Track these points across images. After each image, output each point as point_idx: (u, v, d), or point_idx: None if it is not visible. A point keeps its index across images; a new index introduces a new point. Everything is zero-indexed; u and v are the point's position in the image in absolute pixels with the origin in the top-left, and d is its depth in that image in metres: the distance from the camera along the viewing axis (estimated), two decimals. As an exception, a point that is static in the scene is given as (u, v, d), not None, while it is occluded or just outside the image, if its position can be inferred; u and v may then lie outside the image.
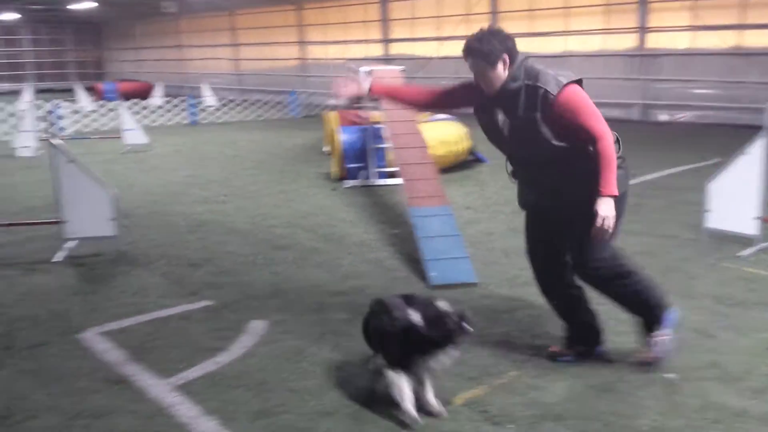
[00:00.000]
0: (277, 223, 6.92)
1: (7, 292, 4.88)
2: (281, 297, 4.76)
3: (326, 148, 11.96)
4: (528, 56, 3.35)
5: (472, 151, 10.37)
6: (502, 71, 3.29)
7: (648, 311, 3.50)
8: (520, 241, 6.05)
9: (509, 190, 8.30)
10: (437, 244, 5.30)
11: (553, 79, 3.23)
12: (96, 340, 4.05)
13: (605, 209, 3.18)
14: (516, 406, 3.22)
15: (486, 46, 3.26)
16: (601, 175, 3.19)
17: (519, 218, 6.90)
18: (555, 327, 4.09)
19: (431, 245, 5.28)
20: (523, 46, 3.30)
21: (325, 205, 7.84)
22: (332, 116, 11.20)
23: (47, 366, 3.70)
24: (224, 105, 19.57)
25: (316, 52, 25.22)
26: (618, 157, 3.24)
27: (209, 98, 21.58)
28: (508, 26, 19.34)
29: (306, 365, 3.68)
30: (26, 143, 11.91)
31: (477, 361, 3.68)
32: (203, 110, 19.17)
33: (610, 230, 3.21)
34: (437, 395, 3.18)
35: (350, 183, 8.89)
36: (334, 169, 9.50)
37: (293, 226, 6.81)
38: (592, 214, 3.18)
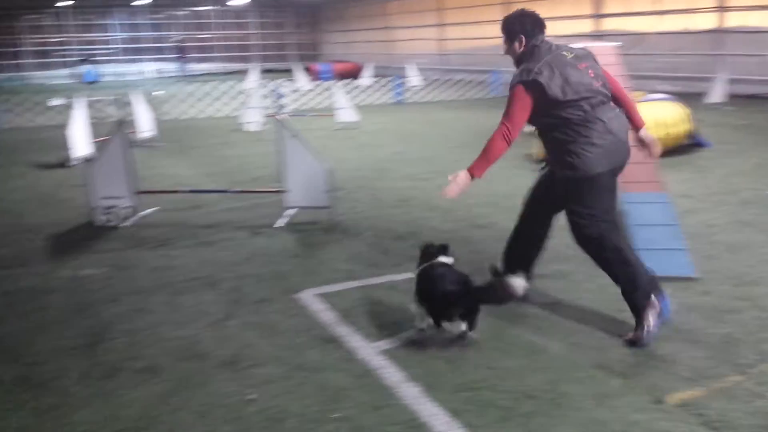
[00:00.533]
0: (478, 202, 6.94)
1: (236, 252, 5.44)
2: (481, 275, 4.77)
3: (530, 129, 11.74)
4: (551, 44, 3.82)
5: (692, 135, 9.57)
6: (517, 49, 3.82)
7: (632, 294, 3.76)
8: (746, 236, 5.54)
9: (736, 177, 7.62)
10: (651, 233, 4.98)
11: (520, 73, 3.74)
12: (311, 300, 4.38)
13: (458, 179, 4.19)
14: (737, 413, 2.95)
15: (508, 25, 3.82)
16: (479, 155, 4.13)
17: (746, 210, 6.32)
18: (788, 332, 3.70)
19: (644, 234, 4.97)
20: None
21: (527, 186, 7.68)
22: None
23: (270, 320, 4.08)
24: (428, 84, 19.95)
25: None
26: (593, 142, 3.72)
27: (414, 78, 22.12)
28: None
29: (506, 345, 3.68)
30: (252, 119, 13.12)
31: (693, 362, 3.43)
32: (408, 90, 19.70)
33: (447, 196, 4.06)
34: (646, 390, 3.02)
35: (554, 165, 8.63)
36: (536, 150, 9.29)
37: (493, 205, 6.79)
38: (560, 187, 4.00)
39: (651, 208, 5.26)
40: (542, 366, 3.44)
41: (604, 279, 4.61)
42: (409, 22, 30.81)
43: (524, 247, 4.48)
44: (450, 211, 6.61)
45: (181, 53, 32.54)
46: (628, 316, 4.02)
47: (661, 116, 8.87)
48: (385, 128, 13.08)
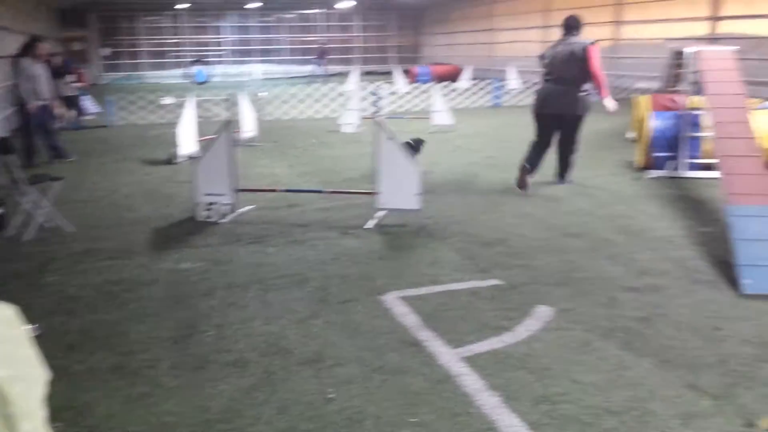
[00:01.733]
0: (571, 210, 6.76)
1: (325, 251, 5.56)
2: (570, 285, 4.67)
3: (630, 134, 11.28)
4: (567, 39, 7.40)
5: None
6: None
7: (566, 168, 7.89)
8: None
9: None
10: (757, 248, 4.68)
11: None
12: (395, 302, 4.41)
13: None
14: (844, 448, 2.73)
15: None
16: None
17: None
18: None
19: (749, 249, 4.69)
20: None
21: (625, 194, 7.42)
22: (643, 100, 10.52)
23: (354, 321, 4.15)
24: (527, 88, 19.58)
25: (630, 32, 23.80)
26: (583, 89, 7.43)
27: (513, 81, 21.77)
28: None
29: (592, 359, 3.57)
30: (350, 120, 13.35)
31: (796, 388, 3.20)
32: (506, 93, 19.42)
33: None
34: (737, 412, 2.85)
35: (655, 173, 8.28)
36: (638, 157, 8.93)
37: (588, 214, 6.59)
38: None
39: (759, 222, 4.96)
40: (629, 382, 3.31)
41: (701, 295, 4.40)
42: (514, 23, 30.35)
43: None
44: (542, 218, 6.47)
45: (321, 56, 33.64)
46: (725, 334, 3.81)
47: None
48: (480, 132, 12.97)
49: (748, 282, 4.43)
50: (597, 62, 7.38)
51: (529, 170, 7.64)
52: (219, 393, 3.30)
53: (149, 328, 4.09)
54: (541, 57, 7.93)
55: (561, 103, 7.52)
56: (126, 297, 4.60)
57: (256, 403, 3.20)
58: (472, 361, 3.58)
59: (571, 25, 7.81)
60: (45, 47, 10.28)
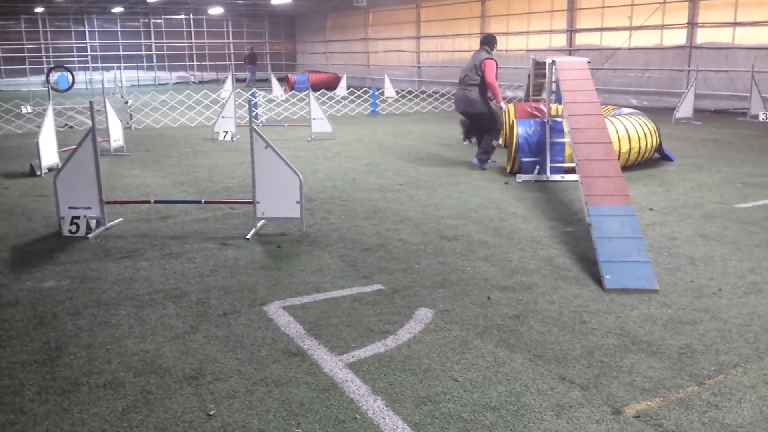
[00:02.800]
0: (447, 214, 6.99)
1: (204, 264, 5.40)
2: (448, 287, 4.82)
3: (499, 141, 11.85)
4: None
5: (658, 149, 9.74)
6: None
7: (486, 153, 9.65)
8: (708, 248, 5.65)
9: (701, 191, 7.77)
10: (615, 245, 5.06)
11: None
12: (278, 313, 4.36)
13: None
14: (694, 423, 3.00)
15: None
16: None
17: (710, 224, 6.45)
18: (744, 343, 3.79)
19: (608, 246, 5.06)
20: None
21: (496, 198, 7.78)
22: (509, 108, 11.07)
23: (235, 333, 4.05)
24: (402, 96, 20.05)
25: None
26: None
27: (389, 89, 22.22)
28: (706, 15, 17.83)
29: (470, 357, 3.70)
30: (225, 128, 13.06)
31: (652, 373, 3.48)
32: (383, 101, 19.77)
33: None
34: (605, 401, 3.07)
35: (523, 177, 8.74)
36: (508, 162, 9.38)
37: (463, 217, 6.84)
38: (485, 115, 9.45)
39: (616, 221, 5.35)
40: (505, 378, 3.46)
41: (567, 291, 4.69)
42: (388, 33, 30.99)
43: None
44: (420, 222, 6.64)
45: (251, 60, 32.05)
46: (590, 327, 4.07)
47: (629, 130, 9.02)
48: (359, 139, 13.12)
49: (609, 277, 4.77)
50: (490, 73, 9.31)
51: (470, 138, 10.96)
52: (91, 417, 3.11)
53: (12, 351, 3.78)
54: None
55: (463, 102, 9.65)
56: (-18, 321, 4.23)
57: (132, 426, 3.04)
58: (356, 367, 3.60)
59: (483, 41, 9.66)
60: None
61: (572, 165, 7.77)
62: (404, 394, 3.31)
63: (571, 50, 21.28)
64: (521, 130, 8.91)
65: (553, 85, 9.01)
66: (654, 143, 9.40)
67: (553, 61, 8.52)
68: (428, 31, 28.35)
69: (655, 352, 3.73)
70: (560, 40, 22.12)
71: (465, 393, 3.31)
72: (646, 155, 9.41)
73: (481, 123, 9.74)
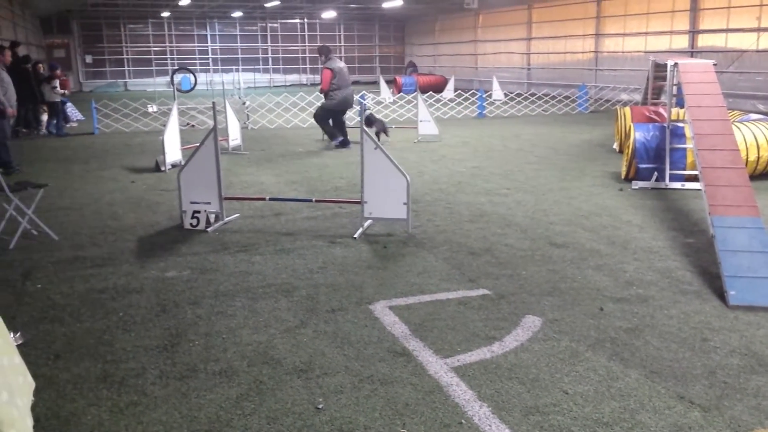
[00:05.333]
0: (556, 220, 6.80)
1: (314, 260, 5.54)
2: (557, 296, 4.69)
3: (615, 146, 11.40)
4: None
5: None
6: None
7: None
8: None
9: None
10: (741, 259, 4.74)
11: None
12: (384, 312, 4.40)
13: None
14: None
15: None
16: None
17: None
18: None
19: (734, 260, 4.74)
20: None
21: (610, 205, 7.49)
22: (626, 112, 10.64)
23: (343, 330, 4.13)
24: (511, 99, 19.74)
25: (611, 44, 24.10)
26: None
27: (497, 92, 21.94)
28: None
29: (581, 369, 3.58)
30: (335, 129, 13.34)
31: (782, 398, 3.23)
32: (491, 104, 19.54)
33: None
34: (727, 424, 2.88)
35: (640, 184, 8.36)
36: (623, 168, 9.02)
37: (573, 224, 6.64)
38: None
39: (743, 234, 5.02)
40: (619, 393, 3.32)
41: (688, 306, 4.44)
42: (498, 35, 30.61)
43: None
44: (528, 228, 6.50)
45: (413, 66, 34.78)
46: (712, 345, 3.84)
47: (758, 137, 8.45)
48: (466, 142, 13.03)
49: (733, 293, 4.47)
50: (323, 79, 11.88)
51: (341, 143, 12.23)
52: (207, 403, 3.27)
53: (136, 336, 4.04)
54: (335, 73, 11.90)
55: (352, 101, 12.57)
56: (112, 305, 4.55)
57: (245, 413, 3.17)
58: (461, 371, 3.57)
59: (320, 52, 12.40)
60: (7, 53, 10.24)
61: (695, 172, 7.36)
62: (511, 403, 3.25)
63: (693, 52, 20.17)
64: (639, 135, 8.53)
65: (674, 89, 8.58)
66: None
67: (676, 64, 8.10)
68: (540, 32, 27.75)
69: (785, 376, 3.47)
70: (681, 42, 21.01)
71: (575, 406, 3.21)
72: (777, 164, 8.76)
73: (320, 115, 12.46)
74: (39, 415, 3.13)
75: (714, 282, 4.83)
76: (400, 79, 27.42)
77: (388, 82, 25.34)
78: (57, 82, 14.46)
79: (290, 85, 34.88)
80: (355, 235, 6.18)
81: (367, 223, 6.40)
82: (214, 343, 3.93)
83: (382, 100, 19.31)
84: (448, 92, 22.19)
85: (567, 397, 3.29)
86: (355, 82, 32.25)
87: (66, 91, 15.05)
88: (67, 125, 16.22)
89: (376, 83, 28.38)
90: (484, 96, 18.60)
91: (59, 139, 14.06)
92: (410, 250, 5.79)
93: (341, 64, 12.06)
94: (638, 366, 3.60)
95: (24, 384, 2.91)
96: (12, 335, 3.45)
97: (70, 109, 17.09)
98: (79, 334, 4.09)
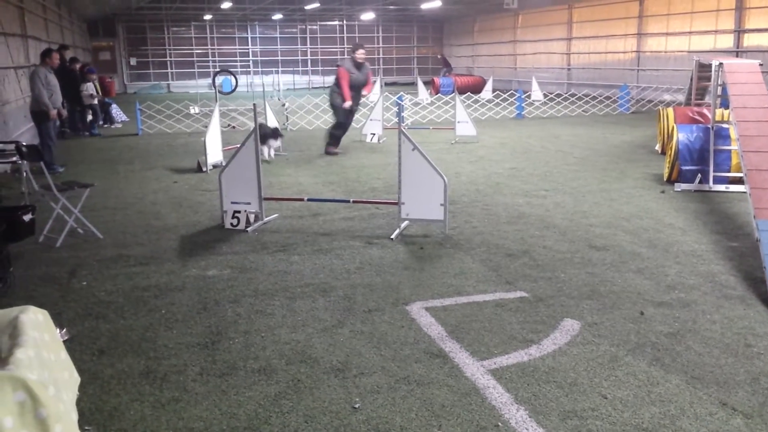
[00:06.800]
0: (596, 222, 6.72)
1: (351, 260, 5.57)
2: (597, 299, 4.63)
3: (657, 147, 11.20)
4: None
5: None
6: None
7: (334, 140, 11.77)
8: None
9: None
10: (788, 264, 4.61)
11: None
12: (420, 313, 4.41)
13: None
14: None
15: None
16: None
17: None
18: None
19: (780, 265, 4.62)
20: None
21: (651, 208, 7.36)
22: (669, 113, 10.45)
23: (379, 330, 4.15)
24: (550, 100, 19.53)
25: (654, 44, 23.66)
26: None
27: (536, 92, 21.73)
28: None
29: (621, 374, 3.54)
30: (374, 130, 13.41)
31: (830, 407, 3.14)
32: (530, 104, 19.36)
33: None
34: (775, 436, 2.81)
35: (683, 186, 8.20)
36: (665, 170, 8.85)
37: (614, 227, 6.54)
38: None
39: (790, 238, 4.88)
40: (659, 399, 3.27)
41: (732, 311, 4.35)
42: (537, 35, 30.31)
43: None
44: (567, 230, 6.43)
45: (445, 65, 35.26)
46: (756, 351, 3.76)
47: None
48: (504, 143, 12.94)
49: (779, 298, 4.36)
50: (340, 79, 11.38)
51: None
52: (246, 400, 3.32)
53: (177, 333, 4.13)
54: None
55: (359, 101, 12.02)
56: (155, 303, 4.66)
57: (283, 411, 3.21)
58: (498, 373, 3.56)
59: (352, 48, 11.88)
60: (55, 56, 10.54)
61: (740, 175, 7.19)
62: (549, 407, 3.23)
63: (738, 52, 19.67)
64: (682, 136, 8.37)
65: (719, 89, 8.39)
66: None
67: (721, 63, 7.93)
68: (580, 32, 27.38)
69: (832, 385, 3.37)
70: (726, 41, 20.51)
71: (614, 411, 3.17)
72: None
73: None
74: (83, 410, 3.22)
75: (758, 287, 4.71)
76: (438, 80, 27.37)
77: (426, 83, 25.30)
78: (88, 86, 14.96)
79: (329, 87, 35.12)
80: (392, 236, 6.20)
81: (404, 224, 6.42)
82: (253, 342, 3.99)
83: (420, 101, 19.30)
84: (487, 93, 22.07)
85: (606, 402, 3.25)
86: (393, 83, 32.40)
87: (94, 93, 15.46)
88: (112, 126, 16.65)
89: (414, 84, 28.37)
90: (522, 97, 18.45)
91: (104, 139, 14.42)
92: (447, 252, 5.78)
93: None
94: (679, 371, 3.54)
95: (70, 379, 3.01)
96: (59, 331, 3.56)
97: (115, 111, 17.53)
98: (122, 330, 4.20)
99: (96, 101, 15.50)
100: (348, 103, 11.28)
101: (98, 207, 7.63)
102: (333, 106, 11.76)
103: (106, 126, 16.54)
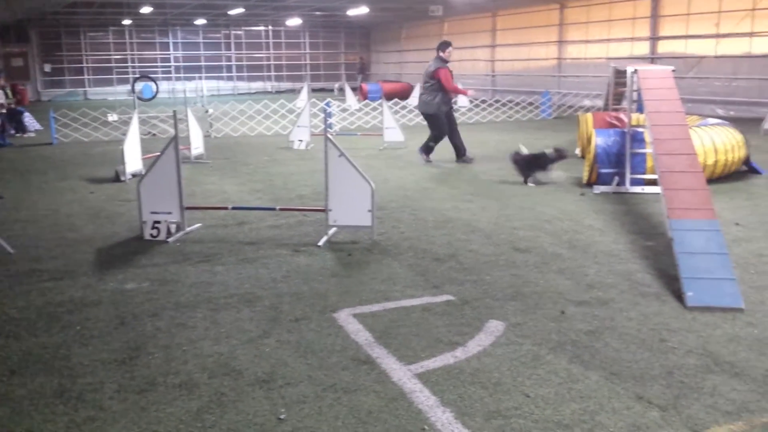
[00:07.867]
0: (520, 225, 6.86)
1: (277, 269, 5.49)
2: (520, 300, 4.73)
3: (577, 151, 11.57)
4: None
5: (746, 162, 9.29)
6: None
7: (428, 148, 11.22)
8: (801, 267, 5.32)
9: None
10: (699, 261, 4.84)
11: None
12: (348, 320, 4.38)
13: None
14: (784, 454, 2.82)
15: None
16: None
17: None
18: (842, 371, 3.55)
19: (691, 262, 4.84)
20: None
21: (572, 210, 7.59)
22: (588, 118, 10.81)
23: (306, 339, 4.10)
24: (476, 106, 19.90)
25: (574, 51, 24.50)
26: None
27: (462, 98, 22.08)
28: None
29: (543, 373, 3.61)
30: (301, 137, 13.31)
31: (735, 395, 3.31)
32: (456, 110, 19.65)
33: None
34: (685, 423, 2.92)
35: (601, 189, 8.50)
36: (584, 173, 9.15)
37: (536, 229, 6.70)
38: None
39: (700, 236, 5.12)
40: (579, 395, 3.36)
41: (647, 308, 4.51)
42: (463, 42, 30.84)
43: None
44: (492, 233, 6.55)
45: (361, 71, 35.09)
46: (670, 346, 3.91)
47: (716, 142, 8.65)
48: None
49: (691, 294, 4.56)
50: (445, 80, 10.72)
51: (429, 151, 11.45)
52: (167, 416, 3.21)
53: (93, 350, 3.95)
54: None
55: (421, 104, 11.47)
56: (69, 319, 4.44)
57: (206, 426, 3.12)
58: (424, 377, 3.57)
59: (437, 48, 11.13)
60: None
61: (654, 177, 7.50)
62: (474, 408, 3.26)
63: (653, 58, 20.61)
64: (600, 141, 8.67)
65: (635, 95, 8.74)
66: (741, 155, 8.97)
67: (635, 70, 8.26)
68: (504, 39, 28.07)
69: (738, 373, 3.54)
70: (642, 48, 21.46)
71: (537, 409, 3.23)
72: (733, 168, 8.98)
73: (430, 125, 11.28)
74: (-10, 434, 3.03)
75: (672, 284, 4.91)
76: (366, 87, 27.45)
77: (353, 89, 25.33)
78: None
79: (255, 93, 34.64)
80: (320, 243, 6.16)
81: (331, 231, 6.38)
82: (174, 356, 3.87)
83: (347, 107, 19.28)
84: (414, 99, 22.27)
85: (528, 401, 3.31)
86: (321, 90, 32.31)
87: (3, 102, 14.75)
88: (24, 135, 15.89)
89: (342, 90, 28.37)
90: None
91: (15, 149, 13.75)
92: (375, 258, 5.78)
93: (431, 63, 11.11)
94: (598, 368, 3.65)
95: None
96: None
97: (28, 119, 16.73)
98: (35, 348, 3.98)
99: (4, 110, 14.77)
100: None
101: (9, 220, 7.25)
102: (428, 116, 11.11)
103: (18, 135, 15.75)
